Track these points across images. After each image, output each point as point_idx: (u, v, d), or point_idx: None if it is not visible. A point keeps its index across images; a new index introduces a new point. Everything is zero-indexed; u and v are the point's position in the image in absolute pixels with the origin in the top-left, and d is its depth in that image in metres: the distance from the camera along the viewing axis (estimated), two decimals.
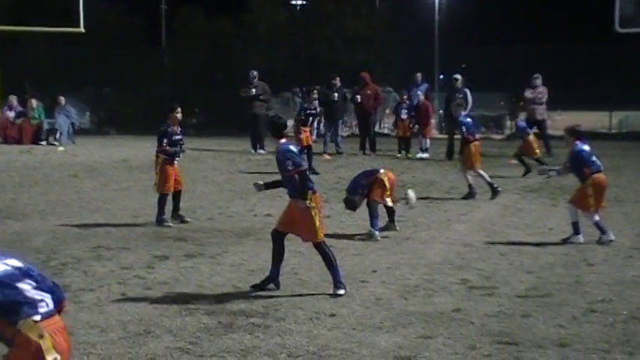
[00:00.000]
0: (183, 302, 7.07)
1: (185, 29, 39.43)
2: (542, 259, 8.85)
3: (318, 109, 18.65)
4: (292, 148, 7.59)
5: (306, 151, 17.43)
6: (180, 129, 11.42)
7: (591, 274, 8.17)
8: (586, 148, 9.84)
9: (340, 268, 7.55)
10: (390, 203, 10.46)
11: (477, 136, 14.67)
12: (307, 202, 7.35)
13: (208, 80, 35.04)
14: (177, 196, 11.32)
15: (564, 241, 9.71)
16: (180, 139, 11.34)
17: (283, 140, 7.59)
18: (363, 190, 10.39)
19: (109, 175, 17.05)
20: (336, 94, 22.13)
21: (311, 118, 17.66)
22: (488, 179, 13.62)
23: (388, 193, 10.40)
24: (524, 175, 16.47)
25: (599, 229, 9.69)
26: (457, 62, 30.03)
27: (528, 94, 20.81)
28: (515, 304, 7.05)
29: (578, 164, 9.83)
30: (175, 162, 11.26)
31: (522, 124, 18.67)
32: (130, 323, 6.47)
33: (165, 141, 11.13)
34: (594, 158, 9.86)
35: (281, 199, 13.52)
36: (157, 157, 11.29)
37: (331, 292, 7.35)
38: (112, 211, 12.36)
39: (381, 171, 10.60)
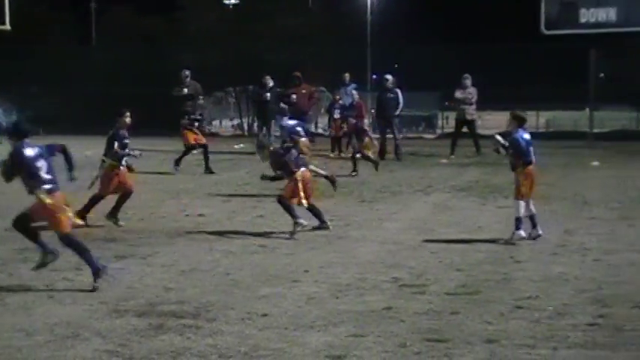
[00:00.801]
0: (113, 304, 6.99)
1: (115, 26, 38.95)
2: (472, 257, 8.99)
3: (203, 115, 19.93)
4: (26, 151, 7.71)
5: (202, 150, 17.73)
6: (127, 133, 11.40)
7: (518, 271, 8.34)
8: (526, 136, 9.94)
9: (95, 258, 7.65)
10: (304, 204, 10.40)
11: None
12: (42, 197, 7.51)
13: (140, 79, 34.66)
14: (124, 198, 11.19)
15: (507, 242, 9.76)
16: (128, 144, 11.29)
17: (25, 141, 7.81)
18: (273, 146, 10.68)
19: None
20: (268, 94, 22.10)
21: (196, 123, 18.46)
22: (323, 173, 13.28)
23: (301, 194, 10.31)
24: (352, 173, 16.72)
25: (532, 222, 9.89)
26: (390, 62, 30.30)
27: (458, 94, 21.10)
28: (444, 301, 7.16)
29: (514, 151, 9.92)
30: (122, 166, 11.24)
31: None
32: (58, 326, 6.37)
33: (116, 144, 11.07)
34: (530, 150, 9.96)
35: (214, 199, 13.51)
36: (103, 161, 11.17)
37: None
38: None
39: (301, 170, 10.50)
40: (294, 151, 10.81)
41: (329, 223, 10.67)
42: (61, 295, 7.30)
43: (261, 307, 6.95)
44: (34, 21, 34.84)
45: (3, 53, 33.43)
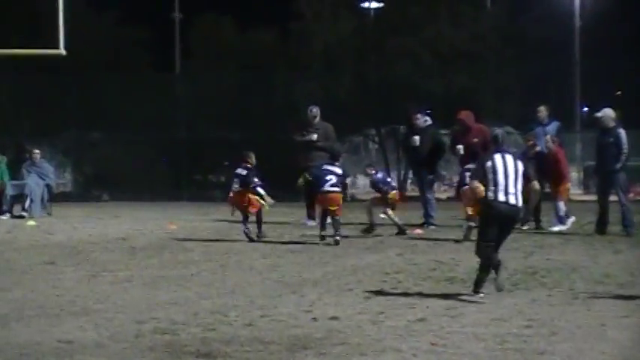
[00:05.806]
0: None
1: (206, 47, 40.03)
2: None
3: None
4: None
5: None
6: None
7: None
8: None
9: None
10: None
11: None
12: None
13: (241, 118, 35.23)
14: None
15: None
16: None
17: None
18: None
19: (101, 262, 17.21)
20: (416, 138, 21.87)
21: None
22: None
23: None
24: None
25: None
26: (606, 87, 29.90)
27: None
28: None
29: None
30: None
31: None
32: None
33: None
34: None
35: (351, 294, 13.49)
36: None
37: None
38: (105, 314, 12.40)
39: None
40: None
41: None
42: None
43: None
44: (94, 41, 36.05)
45: (54, 86, 34.65)
